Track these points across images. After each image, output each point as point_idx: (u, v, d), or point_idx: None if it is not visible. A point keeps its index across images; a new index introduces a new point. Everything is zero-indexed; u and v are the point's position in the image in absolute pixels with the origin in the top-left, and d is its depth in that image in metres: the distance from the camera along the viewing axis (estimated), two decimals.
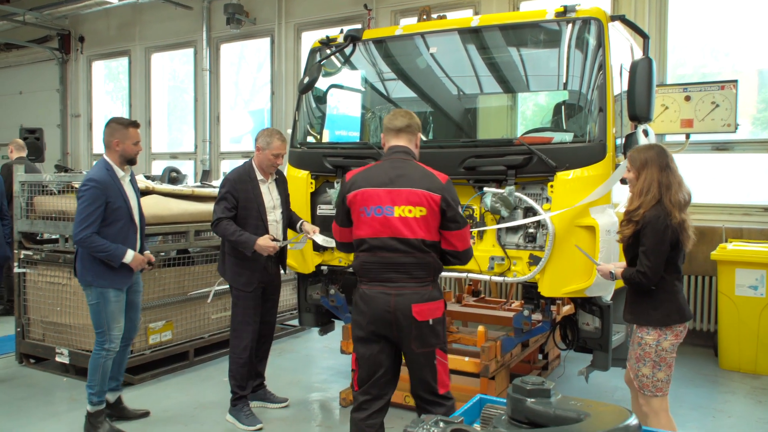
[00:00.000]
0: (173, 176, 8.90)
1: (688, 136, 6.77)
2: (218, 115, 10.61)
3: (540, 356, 5.97)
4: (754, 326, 6.05)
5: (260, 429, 4.59)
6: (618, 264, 3.78)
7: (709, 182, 7.19)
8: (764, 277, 5.98)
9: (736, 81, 6.65)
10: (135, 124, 4.45)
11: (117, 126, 4.38)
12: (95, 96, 12.44)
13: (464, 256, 3.42)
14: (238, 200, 4.46)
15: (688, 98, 6.79)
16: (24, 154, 8.27)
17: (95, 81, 12.43)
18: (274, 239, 4.52)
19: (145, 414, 4.87)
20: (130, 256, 4.30)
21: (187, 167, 10.64)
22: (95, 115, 12.44)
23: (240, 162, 7.69)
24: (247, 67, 11.01)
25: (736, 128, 6.68)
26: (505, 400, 2.09)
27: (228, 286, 4.80)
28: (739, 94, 6.63)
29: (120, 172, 4.39)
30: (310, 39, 9.66)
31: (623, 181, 3.98)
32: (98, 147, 12.49)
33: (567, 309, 5.15)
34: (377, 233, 3.25)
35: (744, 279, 6.07)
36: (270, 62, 10.02)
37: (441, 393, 3.33)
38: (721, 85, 6.72)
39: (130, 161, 4.44)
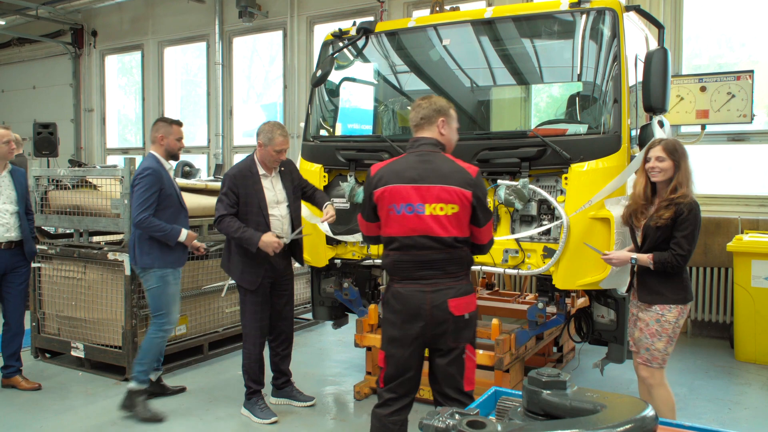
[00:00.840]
0: (186, 170, 8.95)
1: (703, 127, 6.71)
2: (231, 109, 10.63)
3: (555, 349, 5.95)
4: None
5: (275, 422, 4.60)
6: (629, 250, 3.95)
7: (724, 173, 7.12)
8: None
9: (752, 71, 6.58)
10: (179, 123, 4.93)
11: (162, 124, 4.86)
12: (108, 90, 12.49)
13: (487, 248, 3.39)
14: (239, 196, 4.41)
15: (703, 89, 6.73)
16: (21, 150, 8.27)
17: (108, 75, 12.48)
18: (279, 236, 4.50)
19: (182, 389, 5.27)
20: (184, 234, 4.70)
21: (200, 161, 10.68)
22: (108, 110, 12.51)
23: None
24: (260, 60, 11.02)
25: (752, 119, 6.61)
26: (520, 393, 2.09)
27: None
28: (756, 84, 6.55)
29: (166, 165, 4.80)
30: (322, 32, 9.65)
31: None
32: (112, 141, 12.56)
33: (581, 301, 5.13)
34: (408, 232, 3.15)
35: (760, 270, 6.01)
36: (282, 56, 10.02)
37: (466, 390, 3.25)
38: (737, 76, 6.64)
39: (173, 156, 4.89)
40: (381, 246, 3.46)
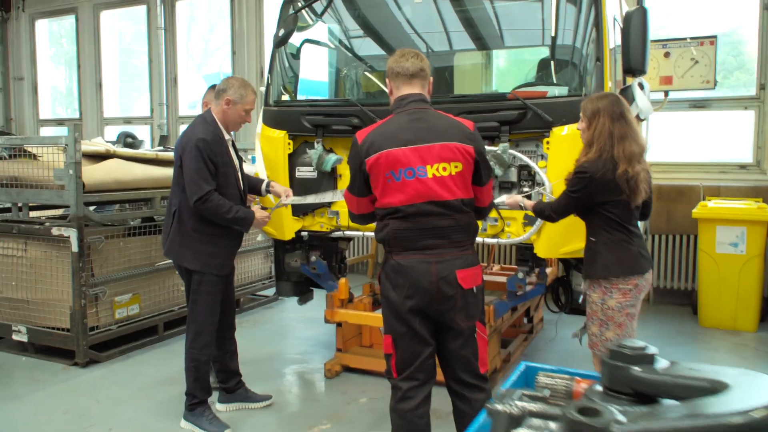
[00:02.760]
0: (129, 142, 8.45)
1: (666, 93, 6.65)
2: (175, 77, 10.06)
3: (525, 320, 5.85)
4: (735, 283, 6.05)
5: None
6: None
7: (686, 140, 7.13)
8: (745, 234, 5.96)
9: (715, 36, 6.56)
10: None
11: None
12: (40, 58, 11.66)
13: (487, 211, 3.16)
14: (218, 167, 3.81)
15: (667, 54, 6.68)
16: None
17: (39, 41, 11.64)
18: (264, 207, 4.12)
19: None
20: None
21: (142, 132, 10.08)
22: (41, 78, 11.69)
23: None
24: (198, 29, 10.42)
25: (716, 85, 6.61)
26: (552, 367, 1.89)
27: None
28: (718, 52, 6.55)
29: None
30: None
31: None
32: (45, 112, 11.77)
33: (550, 271, 5.01)
34: (411, 199, 2.84)
35: (725, 236, 6.04)
36: (230, 20, 9.49)
37: (482, 373, 2.99)
38: (700, 41, 6.61)
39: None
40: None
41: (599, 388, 1.23)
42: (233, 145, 4.02)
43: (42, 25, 11.63)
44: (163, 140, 9.40)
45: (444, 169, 2.84)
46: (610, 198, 3.32)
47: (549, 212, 3.55)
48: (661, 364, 1.19)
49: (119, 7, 10.70)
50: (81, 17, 10.79)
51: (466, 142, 2.87)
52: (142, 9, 10.37)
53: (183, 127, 9.89)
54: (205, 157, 3.73)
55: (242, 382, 4.37)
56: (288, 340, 5.90)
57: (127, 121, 10.68)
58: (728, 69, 7.24)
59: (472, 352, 2.98)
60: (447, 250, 2.87)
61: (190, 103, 10.40)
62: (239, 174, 4.01)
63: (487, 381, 3.07)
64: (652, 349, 1.20)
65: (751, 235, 5.92)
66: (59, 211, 6.20)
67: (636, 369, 1.16)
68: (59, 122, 11.47)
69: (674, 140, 7.12)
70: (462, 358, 2.98)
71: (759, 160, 6.77)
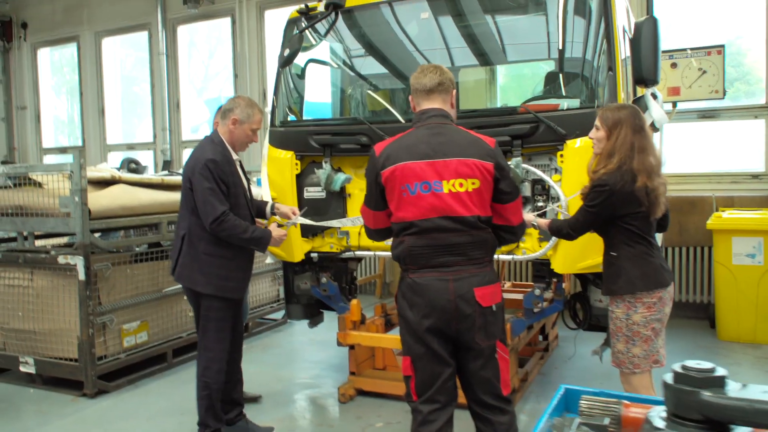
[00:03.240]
0: (132, 167, 8.38)
1: (675, 104, 6.59)
2: (178, 102, 10.05)
3: (540, 338, 5.73)
4: (753, 295, 5.93)
5: None
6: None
7: (696, 151, 7.06)
8: (762, 244, 5.85)
9: (722, 46, 6.52)
10: None
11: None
12: (42, 86, 11.67)
13: (520, 231, 3.04)
14: (228, 187, 3.73)
15: (674, 65, 6.63)
16: None
17: (42, 70, 11.66)
18: (280, 225, 4.01)
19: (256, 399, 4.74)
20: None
21: (145, 158, 10.04)
22: (43, 107, 11.68)
23: None
24: (198, 54, 10.40)
25: (725, 94, 6.55)
26: (593, 390, 1.79)
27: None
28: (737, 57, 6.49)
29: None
30: (274, 18, 9.21)
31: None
32: (48, 141, 11.76)
33: (564, 286, 4.89)
34: (426, 214, 2.77)
35: (741, 247, 5.93)
36: (231, 44, 9.50)
37: (505, 395, 2.89)
38: (708, 51, 6.57)
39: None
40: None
41: (662, 414, 1.14)
42: (241, 166, 3.95)
43: (44, 54, 11.66)
44: (167, 165, 9.34)
45: (461, 185, 2.76)
46: (631, 210, 3.23)
47: (567, 230, 3.43)
48: (732, 387, 1.09)
49: (120, 34, 10.72)
50: (83, 45, 10.81)
51: (485, 158, 2.80)
52: (142, 35, 10.39)
53: (186, 152, 9.90)
54: (216, 178, 3.66)
55: (243, 413, 4.21)
56: (298, 363, 5.78)
57: (130, 146, 10.65)
58: (729, 80, 7.18)
59: (494, 373, 2.87)
60: (464, 268, 2.79)
61: (193, 127, 10.39)
62: (248, 194, 3.93)
63: (510, 403, 2.96)
64: (720, 371, 1.11)
65: None
66: (63, 240, 6.13)
67: (706, 394, 1.07)
68: (62, 150, 11.45)
69: (684, 151, 7.04)
70: (483, 380, 2.87)
71: None
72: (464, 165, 2.77)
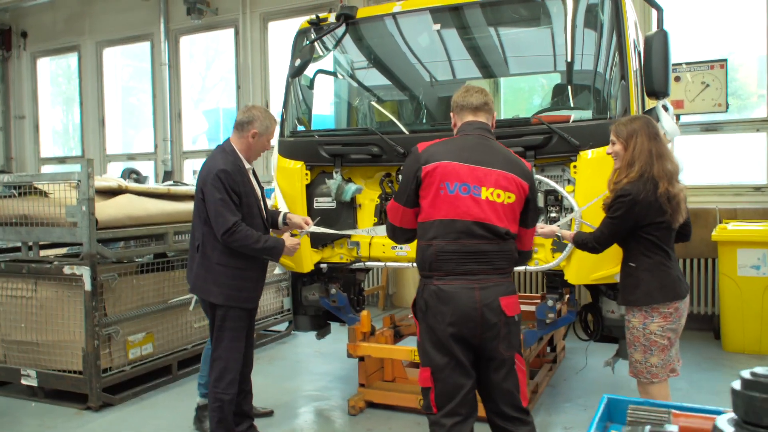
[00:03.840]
0: (134, 178, 8.35)
1: (678, 117, 6.62)
2: (179, 112, 10.03)
3: (548, 349, 5.71)
4: (758, 306, 5.94)
5: None
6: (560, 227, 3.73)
7: (699, 164, 7.08)
8: (766, 256, 5.87)
9: (725, 60, 6.57)
10: None
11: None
12: (41, 96, 11.62)
13: (529, 256, 3.13)
14: (240, 197, 3.72)
15: (677, 79, 6.68)
16: None
17: (41, 80, 11.61)
18: (292, 234, 4.00)
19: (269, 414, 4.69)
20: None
21: (145, 168, 10.01)
22: (42, 117, 11.63)
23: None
24: (195, 67, 10.39)
25: (728, 108, 6.59)
26: (638, 399, 1.78)
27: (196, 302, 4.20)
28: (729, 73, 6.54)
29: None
30: (277, 29, 9.23)
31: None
32: (46, 150, 11.69)
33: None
34: (460, 215, 2.77)
35: (746, 259, 5.95)
36: (234, 55, 9.50)
37: (524, 406, 2.88)
38: (710, 65, 6.62)
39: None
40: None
41: (730, 420, 1.12)
42: (254, 174, 3.94)
43: (43, 64, 11.62)
44: (168, 175, 9.32)
45: (498, 195, 2.80)
46: (654, 220, 3.24)
47: (593, 244, 3.43)
48: None
49: (122, 44, 10.71)
50: (84, 55, 10.78)
51: (523, 177, 2.87)
52: (143, 46, 10.39)
53: (188, 162, 9.88)
54: (227, 188, 3.64)
55: (254, 426, 4.17)
56: (305, 376, 5.73)
57: (131, 157, 10.61)
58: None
59: (514, 385, 2.87)
60: (489, 277, 2.80)
61: (194, 137, 10.39)
62: (262, 203, 3.91)
63: (529, 414, 2.95)
64: None
65: None
66: (63, 250, 6.07)
67: None
68: (61, 160, 11.39)
69: (688, 164, 7.05)
70: (505, 391, 2.85)
71: None
72: (504, 178, 2.81)
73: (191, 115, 10.25)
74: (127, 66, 11.26)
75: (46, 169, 11.41)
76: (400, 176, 3.12)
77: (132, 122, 11.26)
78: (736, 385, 1.13)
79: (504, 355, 2.81)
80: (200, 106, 10.52)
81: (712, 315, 6.75)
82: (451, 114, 3.10)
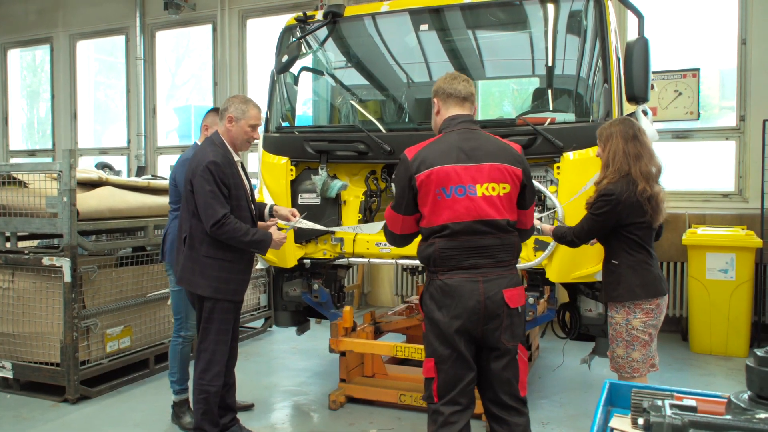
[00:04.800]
0: (107, 172, 8.24)
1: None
2: (154, 107, 9.93)
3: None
4: (725, 309, 6.13)
5: None
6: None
7: (670, 170, 7.25)
8: (734, 260, 6.07)
9: (698, 69, 6.78)
10: None
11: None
12: (11, 88, 11.38)
13: (529, 234, 3.16)
14: (230, 189, 3.70)
15: (651, 87, 6.83)
16: None
17: (11, 72, 11.37)
18: (280, 228, 4.00)
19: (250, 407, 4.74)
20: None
21: (118, 163, 9.88)
22: (11, 109, 11.39)
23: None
24: (165, 64, 10.27)
25: (699, 116, 6.80)
26: (638, 384, 1.85)
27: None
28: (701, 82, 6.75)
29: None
30: (256, 27, 9.21)
31: None
32: (16, 143, 11.46)
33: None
34: (461, 217, 2.82)
35: (714, 263, 6.14)
36: (212, 51, 9.45)
37: (522, 396, 2.94)
38: (683, 74, 6.83)
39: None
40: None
41: (744, 396, 1.20)
42: (242, 167, 3.95)
43: (14, 55, 11.39)
44: (141, 171, 9.22)
45: (493, 189, 2.84)
46: (636, 219, 3.35)
47: (571, 237, 3.54)
48: None
49: (96, 38, 10.56)
50: (56, 47, 10.60)
51: (515, 164, 2.89)
52: (117, 40, 10.27)
53: (162, 158, 9.78)
54: (217, 180, 3.64)
55: (237, 419, 4.17)
56: (283, 372, 5.74)
57: (103, 151, 10.47)
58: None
59: (514, 374, 2.92)
60: (493, 270, 2.85)
61: (168, 131, 10.30)
62: (250, 196, 3.92)
63: (526, 404, 3.01)
64: None
65: (740, 261, 6.04)
66: (35, 242, 5.97)
67: None
68: (30, 153, 11.17)
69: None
70: (504, 380, 2.91)
71: (741, 188, 6.95)
72: (496, 170, 2.85)
73: (162, 111, 10.14)
74: (96, 60, 11.08)
75: (16, 162, 11.17)
76: (393, 185, 3.11)
77: (100, 117, 11.10)
78: (751, 362, 1.21)
79: (506, 345, 2.87)
80: (170, 102, 10.43)
81: (680, 317, 6.95)
82: (435, 100, 3.07)
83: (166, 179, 6.47)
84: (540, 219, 3.98)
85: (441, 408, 2.85)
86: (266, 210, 4.14)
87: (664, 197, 3.44)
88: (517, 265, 4.19)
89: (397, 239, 3.12)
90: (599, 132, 3.54)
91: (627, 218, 3.35)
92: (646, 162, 3.39)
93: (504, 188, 2.86)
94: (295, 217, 4.10)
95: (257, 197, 4.63)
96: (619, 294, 3.43)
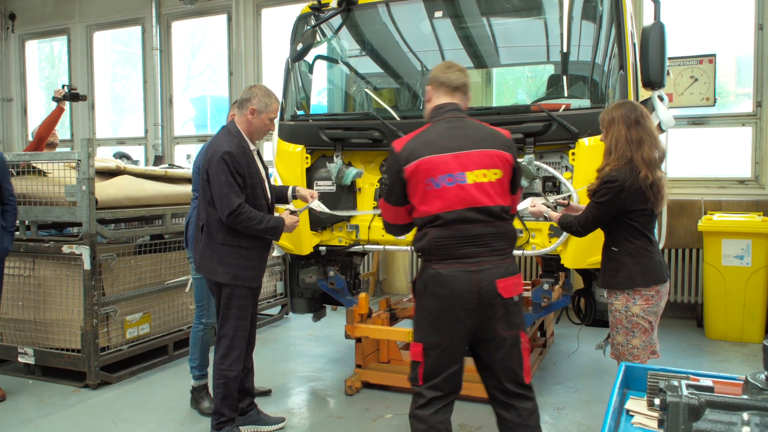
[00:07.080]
0: (125, 162, 8.32)
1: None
2: (171, 97, 10.00)
3: (538, 334, 5.84)
4: (741, 295, 6.11)
5: None
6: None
7: (686, 156, 7.24)
8: (750, 246, 6.04)
9: (714, 55, 6.72)
10: None
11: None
12: (30, 78, 11.50)
13: (512, 219, 3.14)
14: (245, 178, 3.74)
15: (667, 73, 6.78)
16: None
17: (29, 62, 11.48)
18: (293, 212, 4.04)
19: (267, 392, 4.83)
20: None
21: (135, 153, 9.97)
22: (30, 99, 11.52)
23: (198, 147, 7.18)
24: (181, 54, 10.32)
25: (715, 102, 6.75)
26: (654, 366, 1.87)
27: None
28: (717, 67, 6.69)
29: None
30: (270, 16, 9.23)
31: None
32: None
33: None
34: (451, 206, 2.81)
35: (730, 249, 6.12)
36: (227, 41, 9.49)
37: (527, 383, 2.93)
38: (699, 60, 6.77)
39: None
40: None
41: (761, 377, 1.22)
42: (258, 155, 3.99)
43: (32, 47, 11.50)
44: (158, 160, 9.30)
45: (484, 175, 2.82)
46: (639, 206, 3.31)
47: (576, 227, 3.50)
48: None
49: (113, 28, 10.63)
50: (73, 38, 10.69)
51: (504, 149, 2.88)
52: (133, 30, 10.33)
53: (178, 147, 9.86)
54: (232, 170, 3.68)
55: (255, 403, 4.24)
56: (300, 358, 5.81)
57: (120, 141, 10.56)
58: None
59: (517, 363, 2.92)
60: (487, 259, 2.83)
61: (184, 121, 10.37)
62: (266, 184, 3.96)
63: (532, 390, 3.02)
64: None
65: (756, 247, 6.01)
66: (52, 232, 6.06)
67: None
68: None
69: (674, 156, 7.21)
70: (507, 369, 2.90)
71: (757, 175, 6.89)
72: (486, 156, 2.83)
73: (178, 101, 10.21)
74: (112, 51, 11.16)
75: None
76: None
77: (117, 107, 11.20)
78: (767, 342, 1.22)
79: (502, 334, 2.85)
80: (186, 93, 10.49)
81: (695, 303, 6.93)
82: (428, 87, 3.05)
83: (183, 168, 6.54)
84: (554, 207, 3.98)
85: (424, 391, 2.88)
86: (289, 192, 4.19)
87: (665, 183, 3.41)
88: (533, 251, 4.26)
89: (391, 228, 3.14)
90: (601, 117, 3.47)
91: (630, 205, 3.31)
92: (648, 147, 3.32)
93: (495, 174, 2.84)
94: (313, 198, 4.13)
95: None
96: (618, 281, 3.41)
